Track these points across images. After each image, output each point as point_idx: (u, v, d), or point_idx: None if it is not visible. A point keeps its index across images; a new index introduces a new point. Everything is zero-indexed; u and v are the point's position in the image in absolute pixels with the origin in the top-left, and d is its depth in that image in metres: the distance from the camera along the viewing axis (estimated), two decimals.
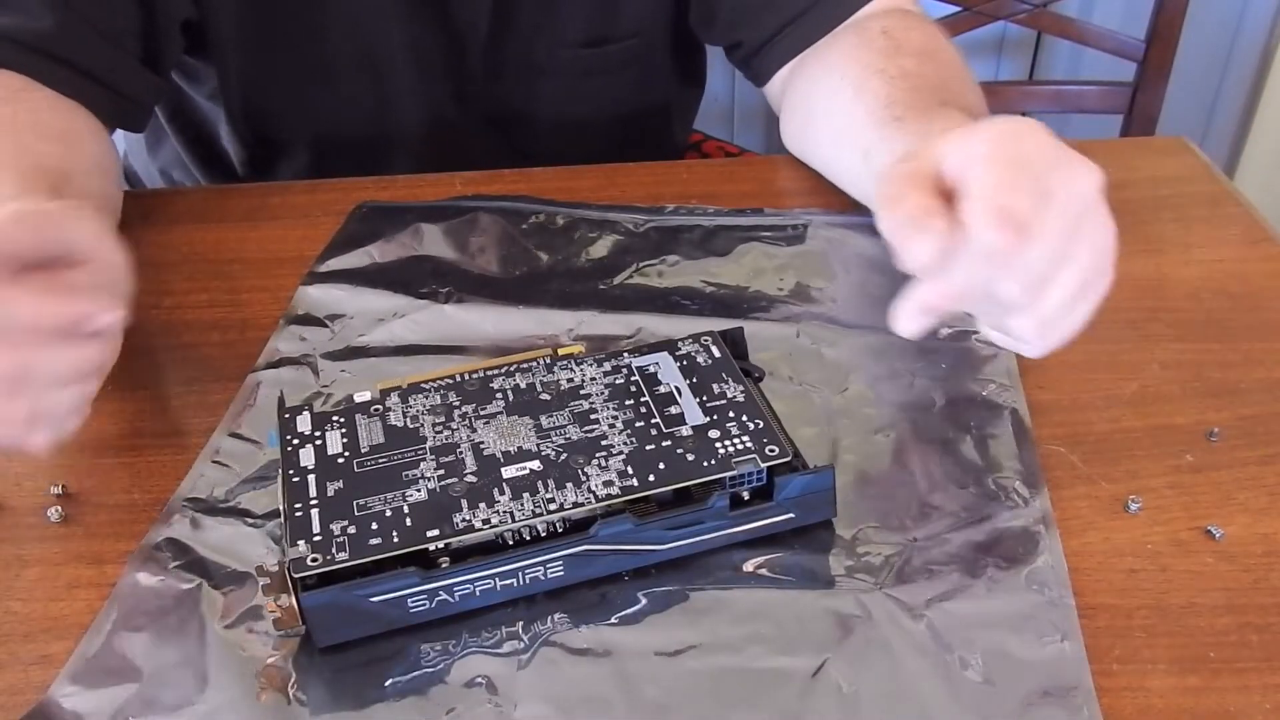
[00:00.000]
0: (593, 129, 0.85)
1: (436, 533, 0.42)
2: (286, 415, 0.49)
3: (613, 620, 0.43)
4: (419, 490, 0.44)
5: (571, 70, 0.81)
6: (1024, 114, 1.68)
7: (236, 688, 0.41)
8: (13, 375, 0.43)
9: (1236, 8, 1.57)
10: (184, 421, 0.55)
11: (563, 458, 0.46)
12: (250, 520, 0.48)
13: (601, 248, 0.67)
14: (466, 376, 0.51)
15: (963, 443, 0.52)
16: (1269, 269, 0.64)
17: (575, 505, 0.44)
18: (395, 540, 0.42)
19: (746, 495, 0.46)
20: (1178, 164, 0.76)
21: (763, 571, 0.45)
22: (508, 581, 0.44)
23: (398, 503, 0.44)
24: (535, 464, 0.45)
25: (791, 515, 0.46)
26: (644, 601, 0.44)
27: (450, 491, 0.44)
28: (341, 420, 0.49)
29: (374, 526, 0.43)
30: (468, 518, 0.43)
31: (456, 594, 0.43)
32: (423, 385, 0.51)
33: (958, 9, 1.20)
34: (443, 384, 0.51)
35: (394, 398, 0.50)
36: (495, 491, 0.44)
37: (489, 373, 0.51)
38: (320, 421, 0.49)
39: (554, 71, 0.81)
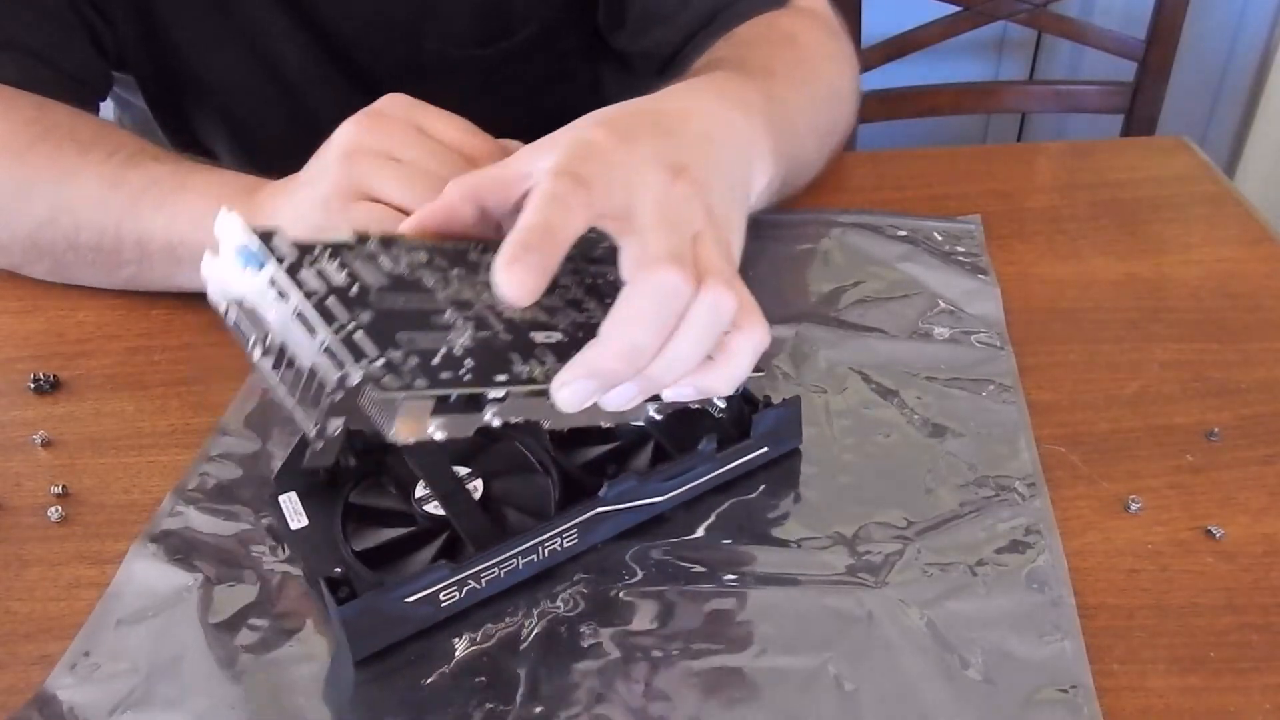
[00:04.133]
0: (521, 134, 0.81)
1: (505, 377, 0.38)
2: (263, 235, 0.39)
3: (614, 620, 0.43)
4: (461, 335, 0.39)
5: (471, 70, 0.78)
6: (1024, 114, 1.68)
7: (234, 683, 0.41)
8: None
9: (1236, 8, 1.57)
10: (184, 421, 0.55)
11: (580, 334, 0.42)
12: (250, 516, 0.48)
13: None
14: (439, 245, 0.44)
15: (963, 443, 0.52)
16: (1269, 269, 0.64)
17: None
18: (467, 377, 0.37)
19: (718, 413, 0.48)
20: (1178, 164, 0.76)
21: (763, 571, 0.45)
22: (529, 558, 0.44)
23: (442, 345, 0.38)
24: (559, 334, 0.42)
25: (765, 449, 0.49)
26: (644, 601, 0.44)
27: (494, 343, 0.39)
28: (333, 253, 0.40)
29: (435, 362, 0.37)
30: (525, 369, 0.39)
31: (484, 579, 0.43)
32: (399, 240, 0.43)
33: (958, 9, 1.20)
34: (423, 245, 0.43)
35: (374, 244, 0.41)
36: (538, 351, 0.40)
37: (460, 247, 0.44)
38: (306, 250, 0.39)
39: (449, 74, 0.77)
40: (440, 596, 0.42)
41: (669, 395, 0.41)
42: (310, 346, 0.36)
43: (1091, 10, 1.54)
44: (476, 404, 0.38)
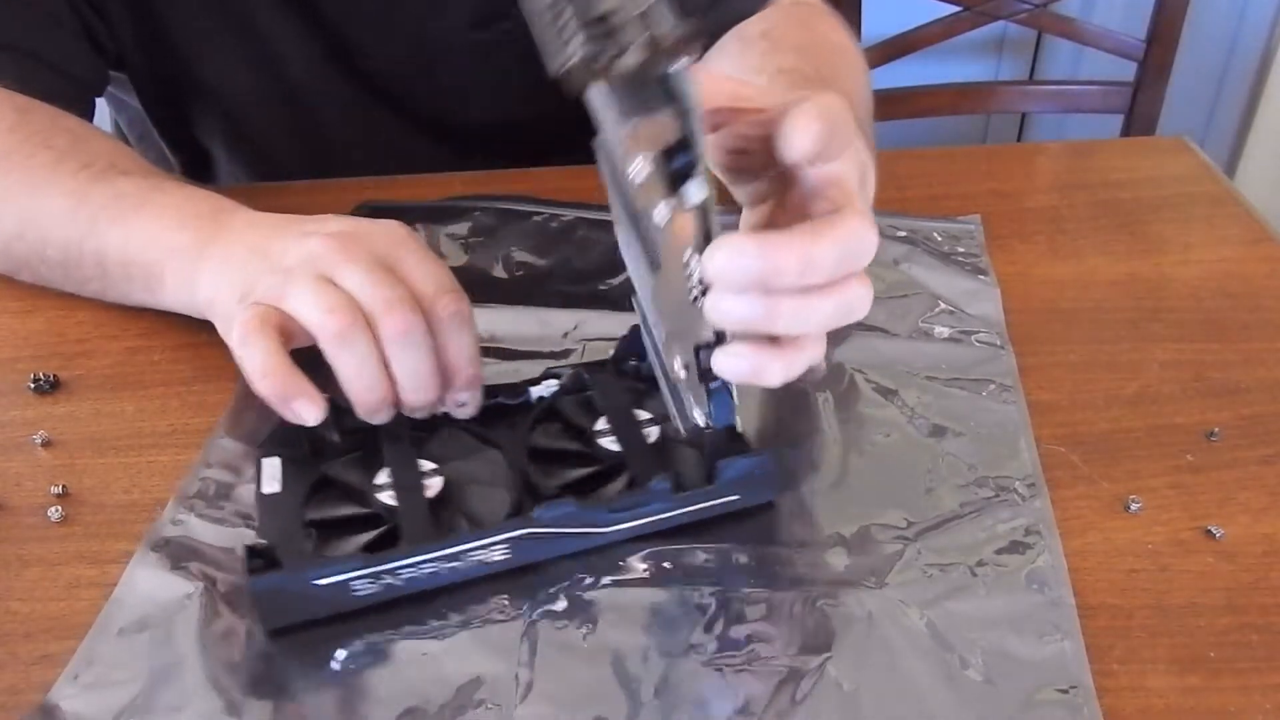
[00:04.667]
0: (523, 125, 0.79)
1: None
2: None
3: (612, 620, 0.43)
4: None
5: (472, 55, 0.77)
6: (1024, 114, 1.69)
7: (237, 689, 0.41)
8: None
9: (1236, 8, 1.57)
10: (184, 421, 0.55)
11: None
12: (250, 521, 0.48)
13: (601, 248, 0.67)
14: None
15: (963, 444, 0.52)
16: (1269, 269, 0.64)
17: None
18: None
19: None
20: (1178, 164, 0.76)
21: (763, 571, 0.45)
22: (453, 565, 0.44)
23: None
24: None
25: (736, 497, 0.47)
26: (644, 601, 0.44)
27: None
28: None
29: None
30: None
31: (402, 577, 0.43)
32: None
33: (958, 9, 1.20)
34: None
35: None
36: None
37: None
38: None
39: (450, 61, 0.77)
40: (353, 585, 0.43)
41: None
42: None
43: (1091, 10, 1.54)
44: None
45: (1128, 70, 1.21)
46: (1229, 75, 1.63)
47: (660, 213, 0.36)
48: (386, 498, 0.46)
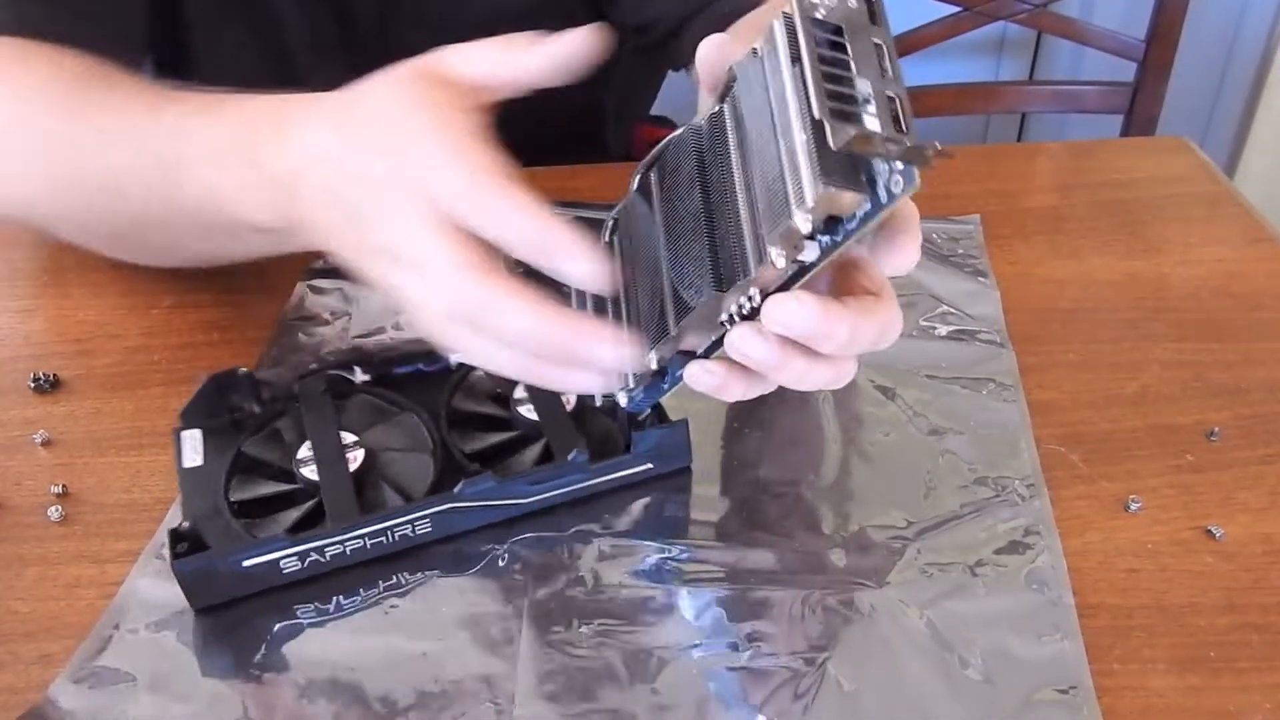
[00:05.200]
0: (524, 123, 0.79)
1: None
2: None
3: (610, 619, 0.43)
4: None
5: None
6: (1024, 114, 1.69)
7: (236, 692, 0.41)
8: None
9: (1236, 8, 1.57)
10: None
11: None
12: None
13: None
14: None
15: (963, 443, 0.52)
16: (1269, 269, 0.64)
17: None
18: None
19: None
20: (1178, 164, 0.76)
21: (763, 571, 0.45)
22: (378, 540, 0.45)
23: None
24: None
25: (650, 466, 0.49)
26: (644, 601, 0.44)
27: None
28: None
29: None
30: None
31: (328, 554, 0.44)
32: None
33: (958, 9, 1.19)
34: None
35: None
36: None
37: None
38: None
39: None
40: (281, 564, 0.44)
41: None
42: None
43: (1091, 10, 1.53)
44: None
45: (1128, 70, 1.21)
46: (1229, 75, 1.63)
47: (776, 253, 0.36)
48: (309, 472, 0.47)
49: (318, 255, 0.66)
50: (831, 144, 0.32)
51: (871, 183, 0.34)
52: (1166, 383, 0.56)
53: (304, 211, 0.44)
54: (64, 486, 0.51)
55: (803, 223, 0.34)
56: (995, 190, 0.73)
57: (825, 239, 0.35)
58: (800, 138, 0.34)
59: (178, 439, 0.49)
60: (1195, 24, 1.27)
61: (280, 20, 0.74)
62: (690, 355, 0.40)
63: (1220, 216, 0.70)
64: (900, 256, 0.38)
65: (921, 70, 1.27)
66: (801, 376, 0.39)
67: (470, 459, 0.48)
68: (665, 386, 0.41)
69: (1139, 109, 1.21)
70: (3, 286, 0.65)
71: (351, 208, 0.41)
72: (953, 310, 0.60)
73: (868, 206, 0.34)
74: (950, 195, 0.72)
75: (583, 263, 0.38)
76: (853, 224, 0.35)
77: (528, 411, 0.50)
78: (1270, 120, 1.63)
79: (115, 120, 0.55)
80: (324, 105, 0.45)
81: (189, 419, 0.50)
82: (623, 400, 0.43)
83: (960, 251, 0.66)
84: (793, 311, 0.36)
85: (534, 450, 0.49)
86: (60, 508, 0.49)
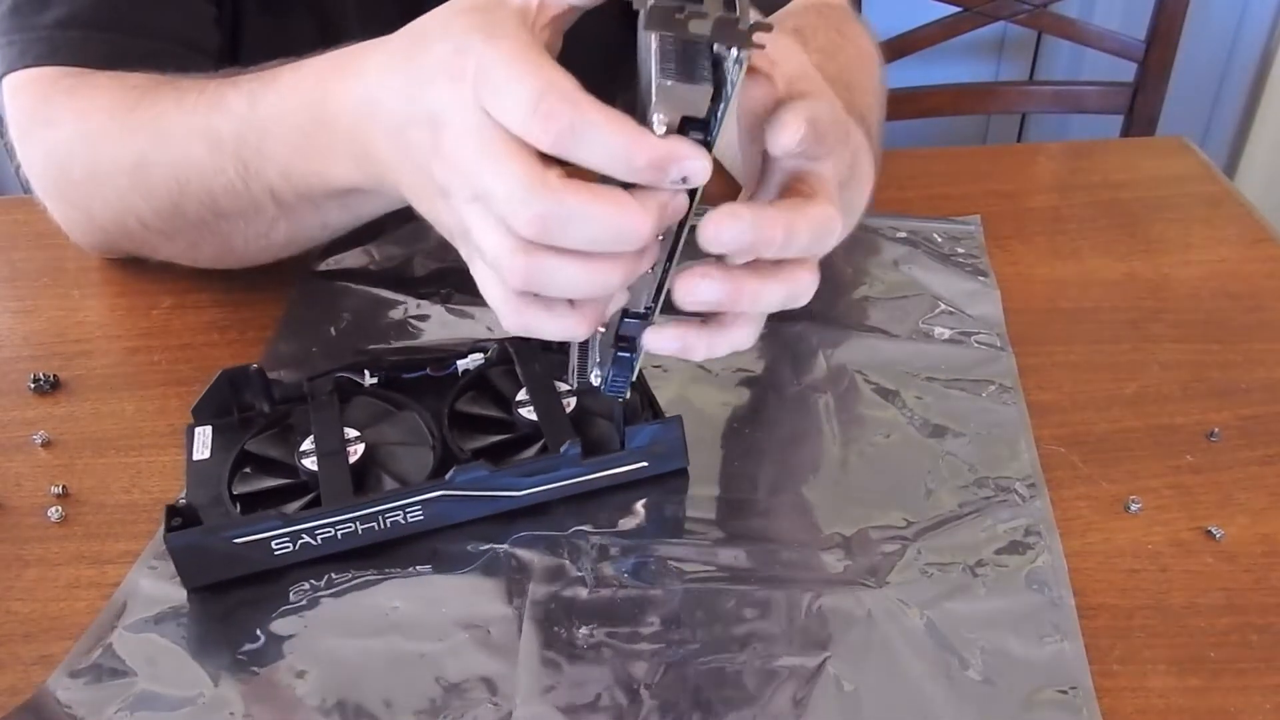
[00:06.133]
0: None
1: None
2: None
3: (612, 619, 0.43)
4: None
5: None
6: (1024, 114, 1.69)
7: (233, 689, 0.41)
8: None
9: (1236, 8, 1.57)
10: (184, 421, 0.54)
11: None
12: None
13: None
14: None
15: (963, 444, 0.52)
16: (1269, 269, 0.64)
17: None
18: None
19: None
20: (1178, 164, 0.76)
21: (763, 571, 0.45)
22: (369, 525, 0.45)
23: None
24: None
25: (645, 464, 0.49)
26: (644, 601, 0.44)
27: None
28: None
29: None
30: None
31: (319, 537, 0.45)
32: None
33: (958, 9, 1.20)
34: None
35: None
36: None
37: None
38: None
39: None
40: (272, 545, 0.44)
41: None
42: None
43: (1091, 10, 1.53)
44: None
45: (1128, 70, 1.21)
46: (1229, 75, 1.63)
47: None
48: (310, 463, 0.48)
49: (318, 255, 0.66)
50: (641, 26, 0.33)
51: (716, 71, 0.35)
52: (1166, 383, 0.56)
53: (379, 155, 0.45)
54: (64, 487, 0.51)
55: (658, 125, 0.35)
56: (995, 190, 0.73)
57: (693, 138, 0.35)
58: (648, 43, 0.35)
59: (190, 435, 0.50)
60: (1195, 24, 1.27)
61: (342, 7, 0.74)
62: (639, 318, 0.41)
63: (1220, 216, 0.70)
64: (781, 132, 0.38)
65: (921, 71, 1.27)
66: (756, 298, 0.39)
67: (477, 455, 0.49)
68: (633, 358, 0.42)
69: (1139, 109, 1.21)
70: (3, 286, 0.65)
71: (416, 142, 0.41)
72: (953, 311, 0.60)
73: (713, 94, 0.35)
74: (950, 195, 0.72)
75: (698, 160, 0.36)
76: (711, 117, 0.35)
77: (528, 413, 0.50)
78: (1270, 120, 1.63)
79: (186, 120, 0.56)
80: (385, 42, 0.45)
81: (200, 415, 0.51)
82: (595, 380, 0.43)
83: (960, 251, 0.66)
84: (721, 222, 0.37)
85: (532, 450, 0.49)
86: (60, 508, 0.49)
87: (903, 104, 1.24)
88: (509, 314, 0.40)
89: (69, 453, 0.53)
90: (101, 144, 0.58)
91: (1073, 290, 0.63)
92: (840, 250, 0.66)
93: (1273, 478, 0.50)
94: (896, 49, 1.22)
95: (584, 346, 0.45)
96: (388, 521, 0.46)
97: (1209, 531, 0.47)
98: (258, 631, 0.43)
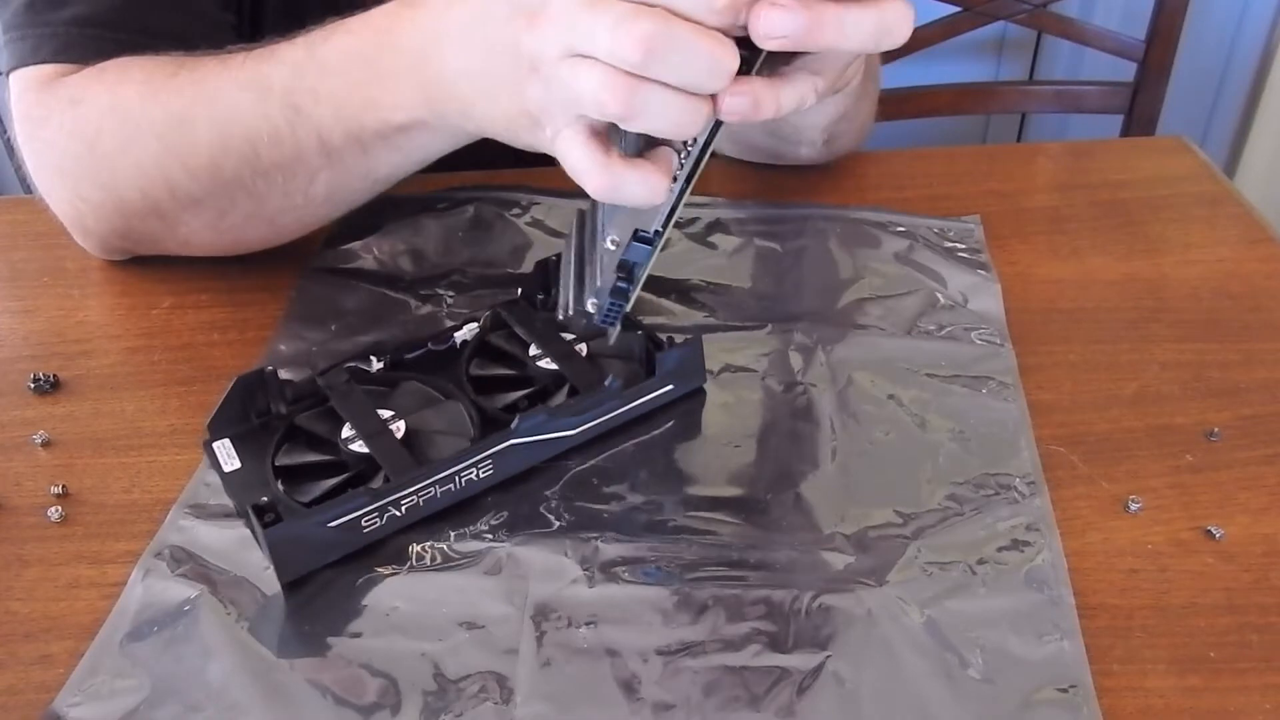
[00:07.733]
0: None
1: None
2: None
3: (612, 618, 0.43)
4: None
5: None
6: (1024, 114, 1.68)
7: (241, 694, 0.41)
8: None
9: (1236, 8, 1.57)
10: (184, 421, 0.55)
11: None
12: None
13: None
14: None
15: (963, 442, 0.52)
16: (1269, 269, 0.64)
17: None
18: None
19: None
20: (1178, 164, 0.76)
21: (762, 570, 0.45)
22: (446, 487, 0.47)
23: None
24: None
25: (670, 387, 0.53)
26: (644, 600, 0.44)
27: None
28: None
29: None
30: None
31: (403, 507, 0.46)
32: None
33: (958, 9, 1.19)
34: None
35: None
36: None
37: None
38: None
39: None
40: (362, 523, 0.45)
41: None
42: None
43: (1091, 10, 1.53)
44: None
45: (1128, 70, 1.21)
46: (1229, 75, 1.63)
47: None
48: (358, 448, 0.48)
49: (317, 254, 0.66)
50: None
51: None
52: (1166, 383, 0.56)
53: (448, 70, 0.47)
54: (64, 487, 0.51)
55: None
56: (995, 190, 0.73)
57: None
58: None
59: (210, 451, 0.49)
60: (1195, 24, 1.27)
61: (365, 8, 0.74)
62: (646, 243, 0.43)
63: (1220, 216, 0.70)
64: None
65: (921, 70, 1.27)
66: (841, 28, 0.37)
67: (504, 412, 0.51)
68: (630, 288, 0.44)
69: (1139, 109, 1.21)
70: (3, 286, 0.65)
71: (494, 30, 0.43)
72: (952, 306, 0.60)
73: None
74: (950, 195, 0.72)
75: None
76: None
77: (546, 364, 0.53)
78: (1270, 120, 1.63)
79: (234, 75, 0.56)
80: None
81: (217, 429, 0.50)
82: (591, 308, 0.45)
83: (961, 247, 0.66)
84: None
85: (560, 396, 0.52)
86: (60, 508, 0.49)
87: (902, 104, 1.24)
88: (597, 173, 0.41)
89: (69, 453, 0.53)
90: (138, 110, 0.58)
91: (1072, 290, 0.63)
92: (839, 245, 0.66)
93: (1273, 478, 0.50)
94: (896, 49, 1.22)
95: (580, 277, 0.47)
96: (463, 481, 0.47)
97: (1209, 531, 0.47)
98: (264, 634, 0.43)
